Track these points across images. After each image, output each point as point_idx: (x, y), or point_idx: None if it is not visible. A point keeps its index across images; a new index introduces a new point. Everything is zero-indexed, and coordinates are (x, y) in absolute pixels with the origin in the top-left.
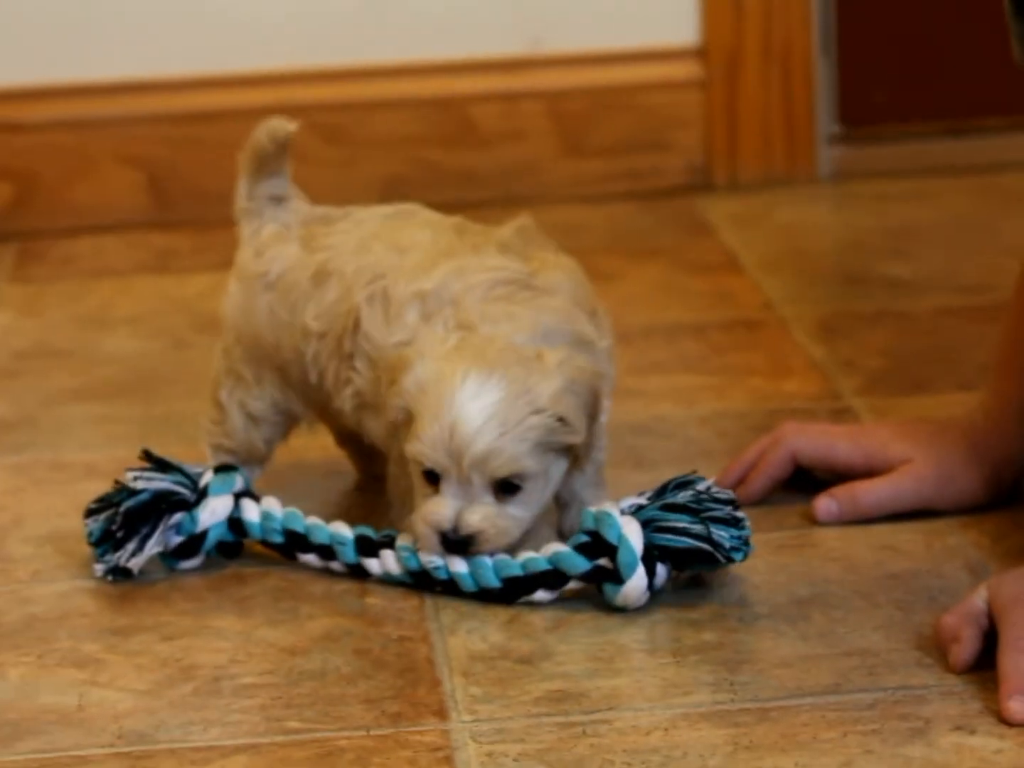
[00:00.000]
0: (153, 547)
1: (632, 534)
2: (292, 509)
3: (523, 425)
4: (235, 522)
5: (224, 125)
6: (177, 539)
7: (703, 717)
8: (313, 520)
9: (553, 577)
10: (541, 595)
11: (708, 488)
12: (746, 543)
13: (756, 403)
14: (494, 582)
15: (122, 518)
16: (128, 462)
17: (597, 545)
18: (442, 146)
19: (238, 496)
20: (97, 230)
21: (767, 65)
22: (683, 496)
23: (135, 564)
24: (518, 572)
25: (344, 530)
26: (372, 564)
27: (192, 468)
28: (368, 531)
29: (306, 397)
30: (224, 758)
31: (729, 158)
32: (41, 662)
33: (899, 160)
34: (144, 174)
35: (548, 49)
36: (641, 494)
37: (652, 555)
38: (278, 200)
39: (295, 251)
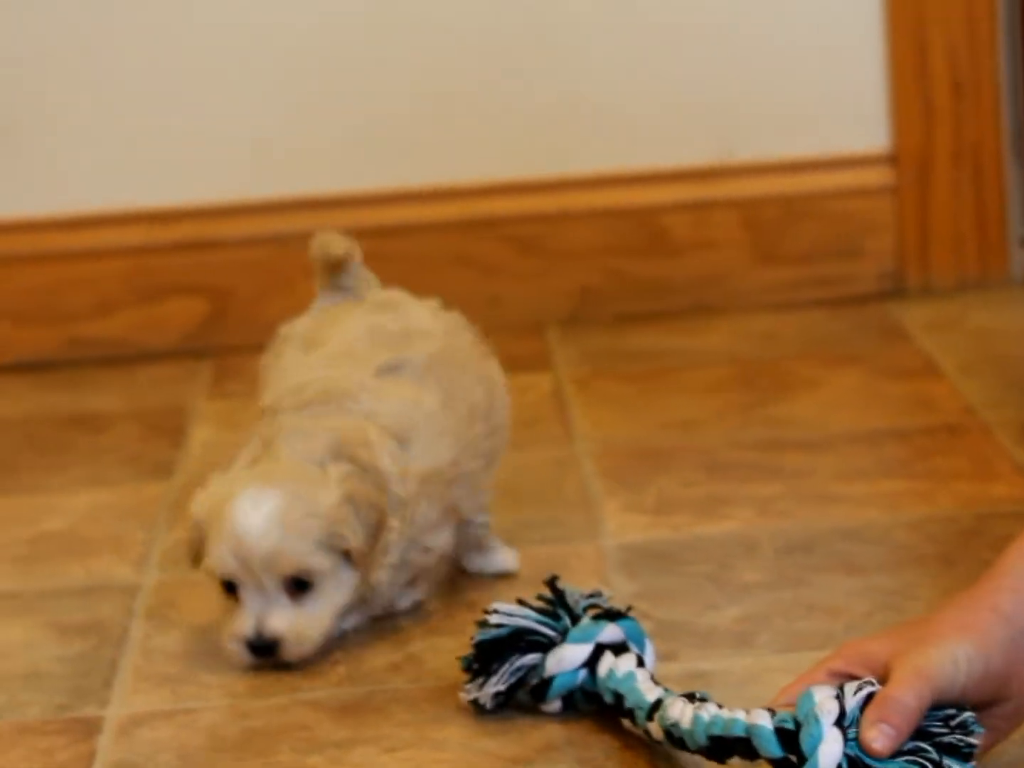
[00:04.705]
0: (496, 684)
1: (826, 756)
2: (631, 670)
3: (302, 525)
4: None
5: (415, 239)
6: (535, 680)
7: None
8: (638, 682)
9: (746, 746)
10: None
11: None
12: None
13: (964, 508)
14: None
15: (474, 651)
16: None
17: (795, 740)
18: (635, 256)
19: (604, 646)
20: None
21: (958, 169)
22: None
23: (482, 698)
24: (718, 732)
25: (648, 696)
26: (654, 728)
27: (580, 609)
28: (664, 693)
29: None
30: None
31: (922, 263)
32: None
33: None
34: None
35: (739, 158)
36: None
37: None
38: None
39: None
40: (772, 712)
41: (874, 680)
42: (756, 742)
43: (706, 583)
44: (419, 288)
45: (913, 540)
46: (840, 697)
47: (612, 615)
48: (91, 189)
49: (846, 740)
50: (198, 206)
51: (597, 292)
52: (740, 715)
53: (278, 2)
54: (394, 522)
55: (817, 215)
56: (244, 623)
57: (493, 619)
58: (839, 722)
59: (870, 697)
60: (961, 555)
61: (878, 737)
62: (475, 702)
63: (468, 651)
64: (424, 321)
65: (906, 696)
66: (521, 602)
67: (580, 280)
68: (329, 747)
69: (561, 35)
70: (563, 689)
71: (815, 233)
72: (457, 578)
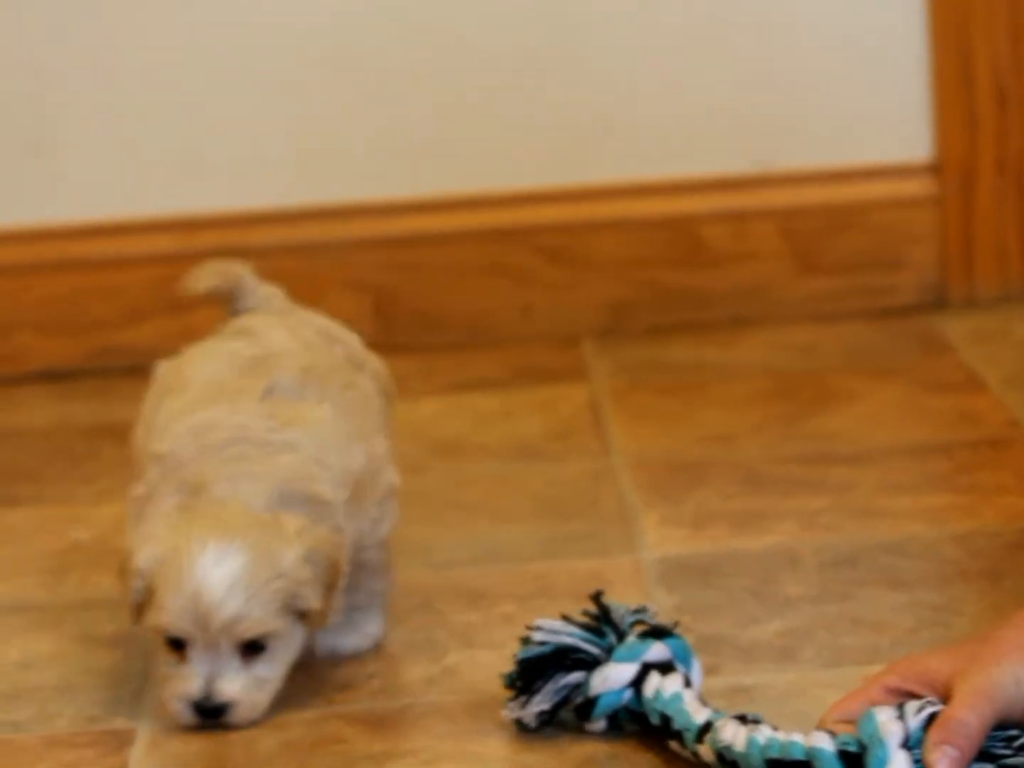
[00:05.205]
0: (540, 703)
1: None
2: (678, 691)
3: (268, 589)
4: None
5: (447, 248)
6: (580, 699)
7: None
8: (685, 704)
9: None
10: None
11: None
12: None
13: (1009, 522)
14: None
15: (517, 668)
16: None
17: (859, 763)
18: (671, 267)
19: (651, 666)
20: None
21: (1002, 179)
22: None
23: (525, 717)
24: (775, 755)
25: (697, 718)
26: (704, 751)
27: (626, 625)
28: (713, 715)
29: None
30: None
31: (965, 274)
32: None
33: None
34: (369, 298)
35: (778, 167)
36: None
37: None
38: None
39: None
40: (832, 734)
41: (935, 700)
42: (817, 765)
43: (748, 597)
44: (452, 299)
45: (958, 555)
46: (902, 717)
47: (658, 632)
48: (119, 197)
49: (913, 762)
50: (226, 215)
51: (633, 303)
52: (797, 738)
53: (310, 11)
54: (346, 568)
55: (858, 226)
56: (192, 683)
57: (537, 636)
58: (904, 744)
59: (931, 717)
60: (1007, 569)
61: (942, 759)
62: (519, 721)
63: (506, 665)
64: (280, 342)
65: (969, 717)
66: (565, 618)
67: (616, 291)
68: (364, 760)
69: (594, 42)
70: (608, 709)
71: (856, 244)
72: (492, 590)
